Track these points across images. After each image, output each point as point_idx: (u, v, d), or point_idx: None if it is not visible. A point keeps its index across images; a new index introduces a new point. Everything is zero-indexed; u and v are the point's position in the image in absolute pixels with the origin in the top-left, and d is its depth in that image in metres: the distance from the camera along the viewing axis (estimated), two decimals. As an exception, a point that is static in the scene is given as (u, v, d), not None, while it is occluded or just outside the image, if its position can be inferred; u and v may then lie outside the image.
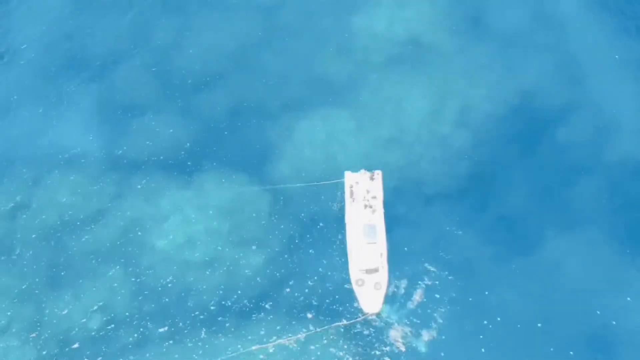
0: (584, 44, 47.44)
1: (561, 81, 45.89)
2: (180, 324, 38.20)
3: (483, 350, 36.56)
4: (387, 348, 36.68)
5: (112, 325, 38.28)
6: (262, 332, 37.54)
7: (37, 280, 40.00)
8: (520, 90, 45.48)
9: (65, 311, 38.83)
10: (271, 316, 38.10)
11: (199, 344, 37.47)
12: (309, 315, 37.95)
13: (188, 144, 44.57)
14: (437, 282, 38.42)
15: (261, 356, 36.83)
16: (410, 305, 37.77)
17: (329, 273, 39.17)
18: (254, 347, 37.03)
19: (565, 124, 44.01)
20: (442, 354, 36.44)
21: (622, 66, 46.39)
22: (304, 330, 37.40)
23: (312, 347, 36.91)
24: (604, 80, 45.74)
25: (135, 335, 37.97)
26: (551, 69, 46.45)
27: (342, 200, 41.25)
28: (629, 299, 37.67)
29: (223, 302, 38.73)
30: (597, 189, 41.55)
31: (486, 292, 38.07)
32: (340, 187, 41.71)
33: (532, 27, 48.44)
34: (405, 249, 39.57)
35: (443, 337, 36.84)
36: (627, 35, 47.73)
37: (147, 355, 37.32)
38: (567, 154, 42.91)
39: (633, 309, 37.34)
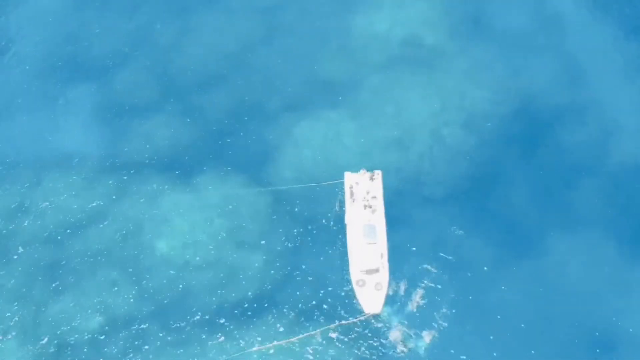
0: (586, 45, 47.34)
1: (563, 82, 45.80)
2: (181, 325, 38.15)
3: (484, 350, 36.43)
4: (388, 348, 36.57)
5: (113, 327, 38.27)
6: (263, 333, 37.46)
7: (37, 282, 40.03)
8: (522, 91, 45.40)
9: (66, 313, 38.81)
10: (272, 317, 38.02)
11: (200, 345, 37.41)
12: (310, 316, 37.86)
13: (189, 145, 44.61)
14: (437, 283, 38.29)
15: (262, 357, 36.74)
16: (411, 305, 37.67)
17: (330, 274, 39.10)
18: (254, 348, 36.97)
19: (568, 125, 43.88)
20: (443, 354, 36.31)
21: (625, 67, 46.29)
22: (305, 330, 37.33)
23: (313, 348, 36.81)
24: (606, 81, 45.63)
25: (136, 336, 37.92)
26: (553, 69, 46.36)
27: (342, 201, 41.18)
28: (630, 299, 37.51)
29: (223, 304, 38.69)
30: (599, 190, 41.43)
31: (487, 292, 37.94)
32: (340, 187, 41.65)
33: (533, 28, 48.38)
34: (406, 249, 39.46)
35: (444, 337, 36.73)
36: (631, 36, 47.61)
37: (148, 356, 37.26)
38: (569, 155, 42.80)
39: (634, 309, 37.19)
